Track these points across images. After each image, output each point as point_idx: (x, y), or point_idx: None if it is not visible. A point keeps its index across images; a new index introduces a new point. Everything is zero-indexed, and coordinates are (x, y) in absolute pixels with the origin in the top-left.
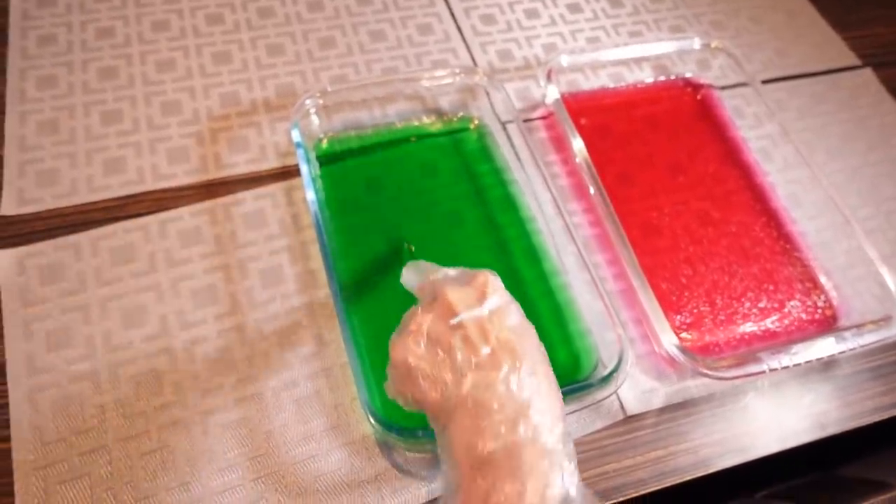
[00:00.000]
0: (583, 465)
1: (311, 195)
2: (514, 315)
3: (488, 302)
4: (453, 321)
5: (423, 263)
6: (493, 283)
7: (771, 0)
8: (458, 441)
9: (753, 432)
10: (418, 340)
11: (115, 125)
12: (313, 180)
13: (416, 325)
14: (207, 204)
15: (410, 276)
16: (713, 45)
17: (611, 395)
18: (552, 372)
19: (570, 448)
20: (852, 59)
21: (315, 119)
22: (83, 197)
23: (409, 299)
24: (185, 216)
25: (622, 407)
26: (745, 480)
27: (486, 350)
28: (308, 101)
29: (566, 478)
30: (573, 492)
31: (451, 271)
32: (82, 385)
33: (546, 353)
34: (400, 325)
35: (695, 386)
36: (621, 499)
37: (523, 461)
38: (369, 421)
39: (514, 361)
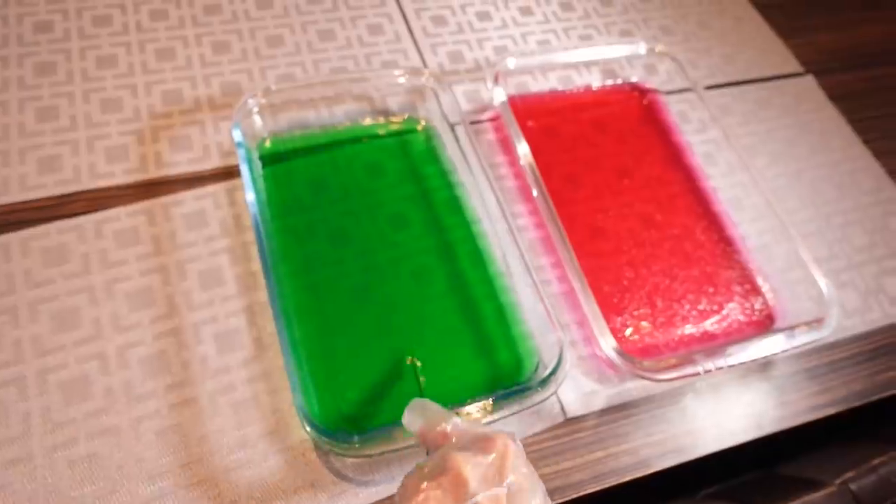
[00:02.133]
0: None
1: (251, 196)
2: (539, 495)
3: (509, 479)
4: (470, 503)
5: (429, 405)
6: (514, 453)
7: (718, 6)
8: None
9: (692, 432)
10: None
11: (51, 122)
12: (255, 181)
13: (422, 498)
14: (146, 204)
15: (414, 419)
16: (657, 49)
17: (549, 397)
18: None
19: None
20: (796, 66)
21: (258, 119)
22: (14, 196)
23: (353, 302)
24: (122, 216)
25: (563, 409)
26: (690, 480)
27: None
28: (251, 101)
29: None
30: None
31: (463, 424)
32: (7, 391)
33: None
34: (400, 489)
35: (634, 388)
36: (560, 501)
37: None
38: (304, 426)
39: None
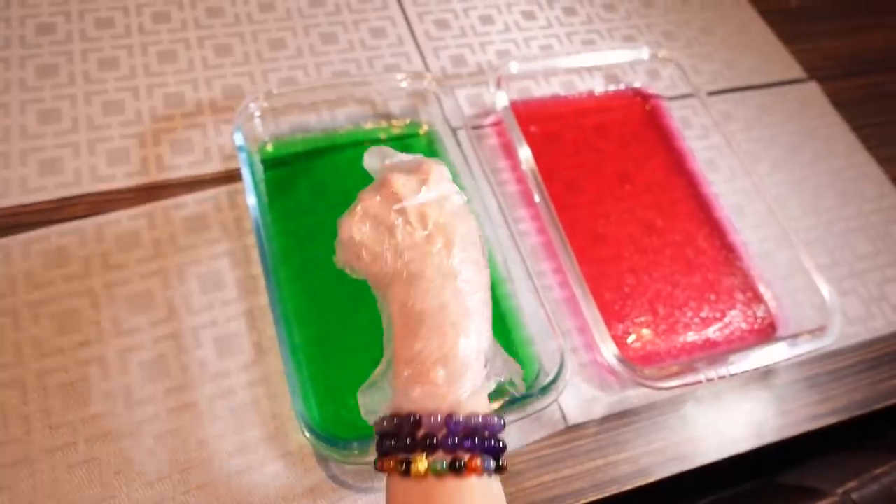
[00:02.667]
0: (522, 475)
1: (252, 199)
2: (453, 203)
3: (431, 189)
4: (396, 206)
5: (384, 148)
6: (437, 171)
7: (721, 12)
8: (394, 303)
9: (693, 441)
10: (364, 220)
11: (53, 124)
12: (256, 184)
13: (362, 207)
14: (147, 207)
15: (373, 159)
16: (660, 55)
17: (550, 404)
18: (482, 253)
19: (489, 313)
20: (799, 72)
21: (259, 122)
22: (15, 199)
23: (353, 306)
24: (123, 219)
25: (563, 416)
26: (690, 489)
27: (423, 233)
28: (252, 105)
29: (483, 334)
30: (485, 344)
31: (406, 157)
32: (7, 394)
33: (481, 236)
34: (352, 205)
35: (635, 395)
36: None
37: (447, 318)
38: (303, 432)
39: (447, 241)
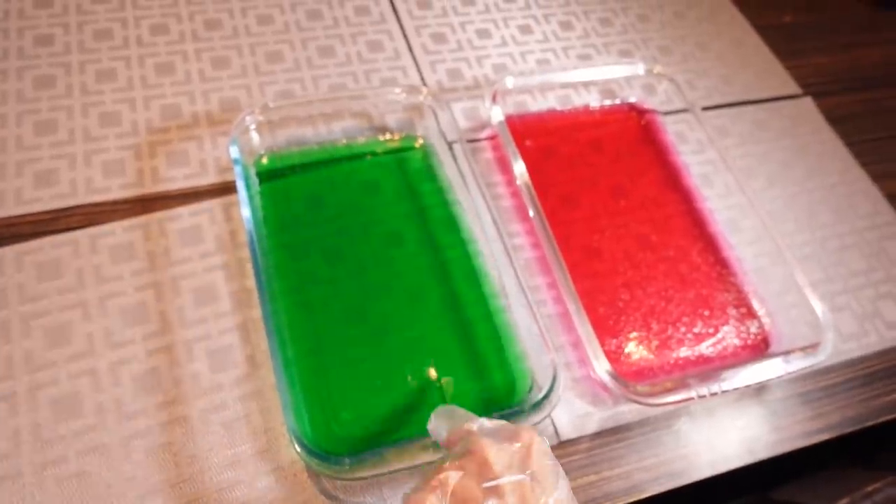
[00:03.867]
0: None
1: (246, 212)
2: (563, 489)
3: (533, 468)
4: (488, 484)
5: (456, 409)
6: (539, 444)
7: (717, 27)
8: None
9: (686, 457)
10: (441, 499)
11: (49, 136)
12: (251, 197)
13: (441, 482)
14: (142, 219)
15: (440, 422)
16: (656, 70)
17: (542, 420)
18: None
19: None
20: (794, 87)
21: (255, 135)
22: (10, 210)
23: (347, 321)
24: (118, 231)
25: (556, 431)
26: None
27: None
28: (248, 118)
29: None
30: None
31: (489, 423)
32: None
33: None
34: (420, 478)
35: (629, 411)
36: None
37: None
38: (294, 448)
39: None
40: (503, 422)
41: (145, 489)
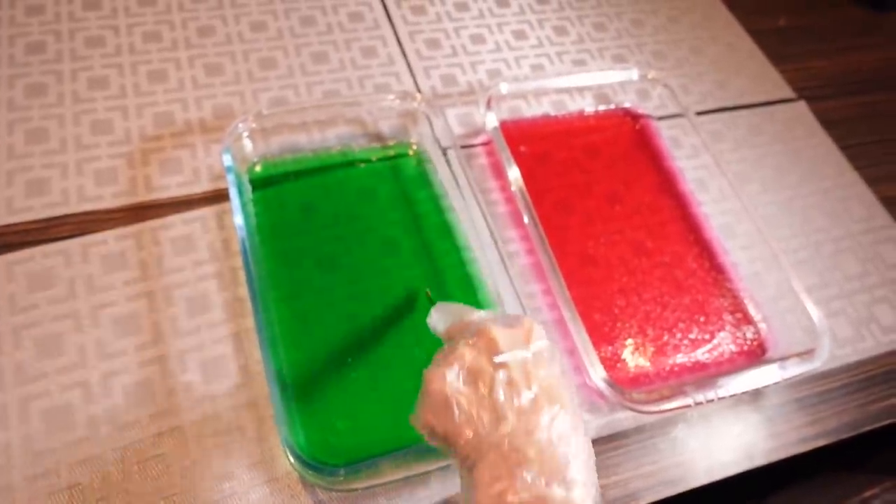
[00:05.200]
0: None
1: (239, 220)
2: (558, 365)
3: (534, 345)
4: (498, 359)
5: (454, 305)
6: (538, 329)
7: (711, 32)
8: (485, 484)
9: (683, 464)
10: (458, 374)
11: (41, 144)
12: (244, 205)
13: (457, 358)
14: (134, 228)
15: (439, 317)
16: (650, 76)
17: None
18: (584, 430)
19: (594, 481)
20: (788, 91)
21: (248, 143)
22: (1, 219)
23: (341, 329)
24: (110, 240)
25: None
26: None
27: (529, 394)
28: (241, 125)
29: None
30: None
31: (489, 314)
32: None
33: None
34: (436, 357)
35: (625, 418)
36: None
37: None
38: (288, 458)
39: (557, 411)
40: (504, 312)
41: (139, 502)
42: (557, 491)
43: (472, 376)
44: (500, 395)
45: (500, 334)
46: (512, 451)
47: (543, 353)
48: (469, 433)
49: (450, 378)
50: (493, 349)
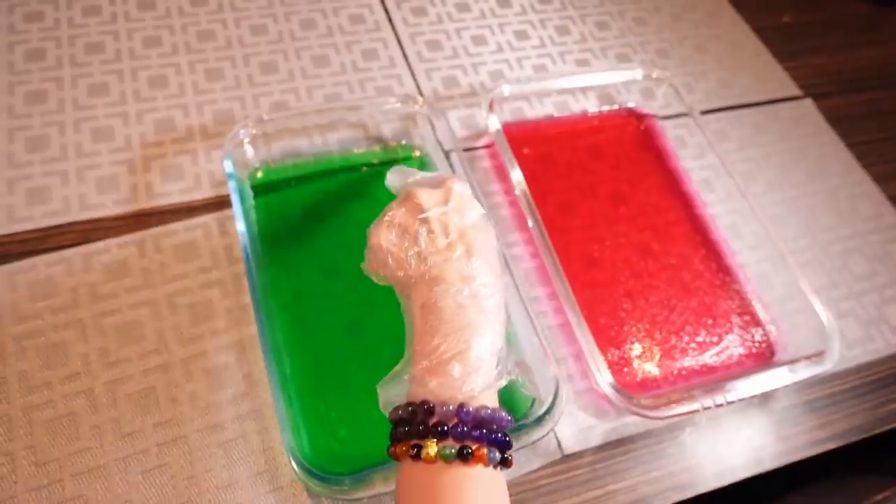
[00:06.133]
0: None
1: (241, 227)
2: (473, 213)
3: (452, 202)
4: (420, 216)
5: (405, 168)
6: (458, 186)
7: (715, 29)
8: (416, 303)
9: (691, 469)
10: (391, 229)
11: (42, 152)
12: (246, 211)
13: (389, 217)
14: (136, 235)
15: (395, 178)
16: (654, 75)
17: (545, 435)
18: (499, 261)
19: (504, 317)
20: (793, 89)
21: (249, 149)
22: (2, 228)
23: (345, 336)
24: (112, 248)
25: (559, 445)
26: None
27: (445, 240)
28: (242, 131)
29: (497, 335)
30: (499, 345)
31: (428, 175)
32: None
33: (498, 246)
34: (379, 215)
35: (632, 422)
36: None
37: (465, 318)
38: (293, 467)
39: (466, 249)
40: (436, 173)
41: None
42: (467, 296)
43: (402, 230)
44: (422, 242)
45: (423, 195)
46: (432, 279)
47: (460, 206)
48: (400, 273)
49: (385, 233)
50: (417, 208)
